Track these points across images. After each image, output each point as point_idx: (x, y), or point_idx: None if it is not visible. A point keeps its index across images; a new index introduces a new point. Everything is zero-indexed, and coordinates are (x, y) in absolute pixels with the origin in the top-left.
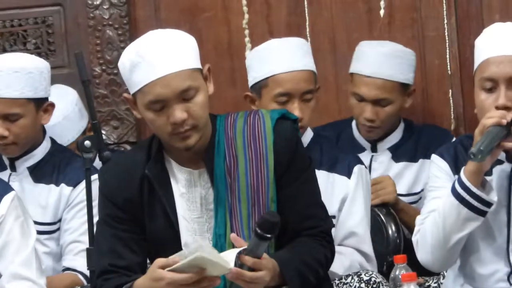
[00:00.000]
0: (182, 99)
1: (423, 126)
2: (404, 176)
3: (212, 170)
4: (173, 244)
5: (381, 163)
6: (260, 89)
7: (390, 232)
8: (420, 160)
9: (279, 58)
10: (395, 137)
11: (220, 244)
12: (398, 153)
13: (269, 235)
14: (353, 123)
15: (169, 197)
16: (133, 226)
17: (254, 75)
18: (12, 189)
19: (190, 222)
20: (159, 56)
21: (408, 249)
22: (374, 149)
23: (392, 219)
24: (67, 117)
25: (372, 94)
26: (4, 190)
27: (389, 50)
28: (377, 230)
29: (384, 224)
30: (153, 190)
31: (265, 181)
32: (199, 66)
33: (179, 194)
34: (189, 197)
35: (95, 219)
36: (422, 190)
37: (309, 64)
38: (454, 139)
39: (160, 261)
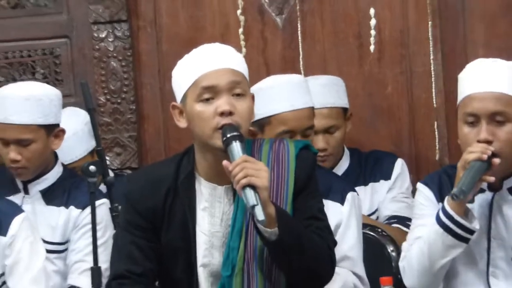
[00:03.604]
0: (231, 93)
1: (369, 152)
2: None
3: None
4: (185, 255)
5: None
6: (263, 126)
7: (389, 251)
8: (371, 184)
9: (281, 97)
10: (344, 165)
11: (232, 257)
12: (350, 180)
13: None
14: None
15: (192, 210)
16: (151, 235)
17: (255, 112)
18: (22, 211)
19: (208, 235)
20: (219, 52)
21: None
22: None
23: (389, 239)
24: (76, 134)
25: (322, 124)
26: (15, 211)
27: (325, 80)
28: (378, 253)
29: (383, 245)
30: (175, 202)
31: (284, 201)
32: (248, 83)
33: (202, 208)
34: (211, 212)
35: (99, 241)
36: (377, 209)
37: (309, 101)
38: (398, 160)
39: None
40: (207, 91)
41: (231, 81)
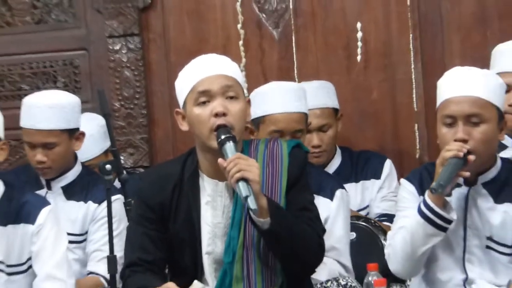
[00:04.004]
0: (225, 96)
1: (360, 152)
2: (352, 196)
3: None
4: (191, 244)
5: None
6: (258, 124)
7: (381, 240)
8: (362, 181)
9: (275, 100)
10: (336, 162)
11: (233, 245)
12: (341, 177)
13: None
14: None
15: (197, 204)
16: (161, 227)
17: (254, 111)
18: (49, 203)
19: (211, 226)
20: (213, 61)
21: None
22: None
23: (381, 229)
24: (92, 136)
25: (316, 123)
26: (42, 203)
27: (317, 84)
28: (372, 242)
29: (376, 235)
30: (182, 197)
31: (278, 195)
32: (245, 90)
33: (205, 202)
34: (213, 205)
35: (115, 232)
36: (367, 205)
37: (300, 106)
38: (387, 160)
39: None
40: (203, 95)
41: (224, 85)
